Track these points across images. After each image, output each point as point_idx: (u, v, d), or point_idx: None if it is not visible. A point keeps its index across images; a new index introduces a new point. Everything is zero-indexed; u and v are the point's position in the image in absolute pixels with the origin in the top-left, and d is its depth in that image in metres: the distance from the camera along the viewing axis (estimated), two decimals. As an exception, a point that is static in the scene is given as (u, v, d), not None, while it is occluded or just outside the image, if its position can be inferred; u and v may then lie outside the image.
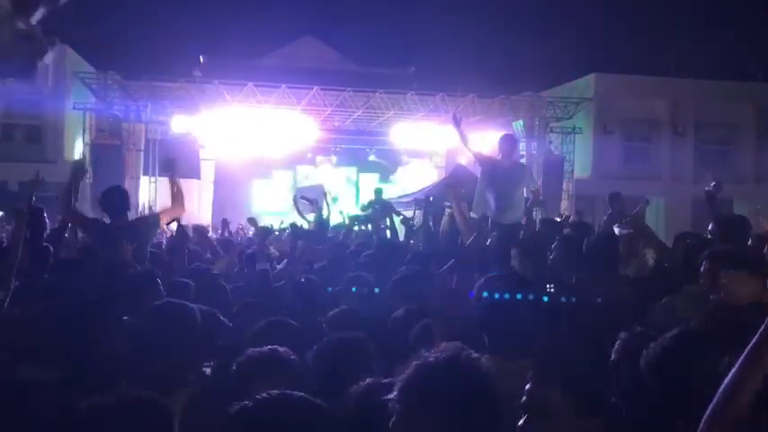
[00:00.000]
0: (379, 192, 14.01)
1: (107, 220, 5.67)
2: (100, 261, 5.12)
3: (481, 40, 18.84)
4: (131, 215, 6.23)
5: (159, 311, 3.14)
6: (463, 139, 7.80)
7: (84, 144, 19.75)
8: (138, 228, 5.68)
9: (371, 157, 24.09)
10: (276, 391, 1.85)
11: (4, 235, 7.43)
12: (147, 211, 16.94)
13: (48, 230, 6.03)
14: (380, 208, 11.90)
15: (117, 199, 5.68)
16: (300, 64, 22.89)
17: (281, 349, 2.63)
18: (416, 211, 13.52)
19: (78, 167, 6.20)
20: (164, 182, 21.07)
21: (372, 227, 10.10)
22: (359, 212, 13.36)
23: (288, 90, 18.85)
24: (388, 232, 9.32)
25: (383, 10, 17.45)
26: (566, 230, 6.62)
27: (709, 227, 5.03)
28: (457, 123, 7.73)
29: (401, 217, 10.97)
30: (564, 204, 20.03)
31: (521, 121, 21.52)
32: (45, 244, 5.46)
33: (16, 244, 4.50)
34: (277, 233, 10.94)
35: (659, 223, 20.19)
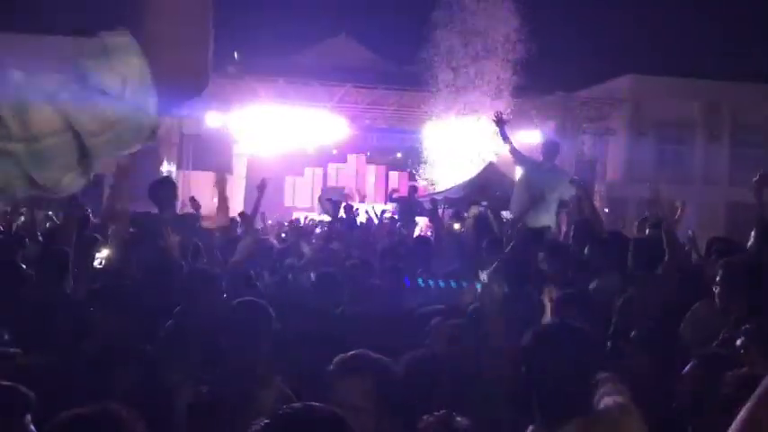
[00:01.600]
0: (411, 189, 14.07)
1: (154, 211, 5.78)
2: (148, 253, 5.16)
3: (513, 40, 18.71)
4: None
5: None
6: (505, 138, 7.88)
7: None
8: (184, 221, 5.84)
9: (399, 155, 24.15)
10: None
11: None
12: (181, 207, 17.17)
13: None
14: (409, 207, 11.99)
15: (166, 190, 5.80)
16: (334, 61, 23.01)
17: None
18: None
19: (122, 170, 6.30)
20: (197, 175, 21.45)
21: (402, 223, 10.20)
22: (387, 208, 13.47)
23: (320, 87, 18.99)
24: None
25: (417, 9, 17.48)
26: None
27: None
28: (500, 123, 7.82)
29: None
30: (597, 205, 19.86)
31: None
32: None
33: (67, 236, 4.59)
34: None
35: (693, 227, 19.90)
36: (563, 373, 2.23)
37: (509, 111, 8.96)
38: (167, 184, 6.01)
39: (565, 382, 2.22)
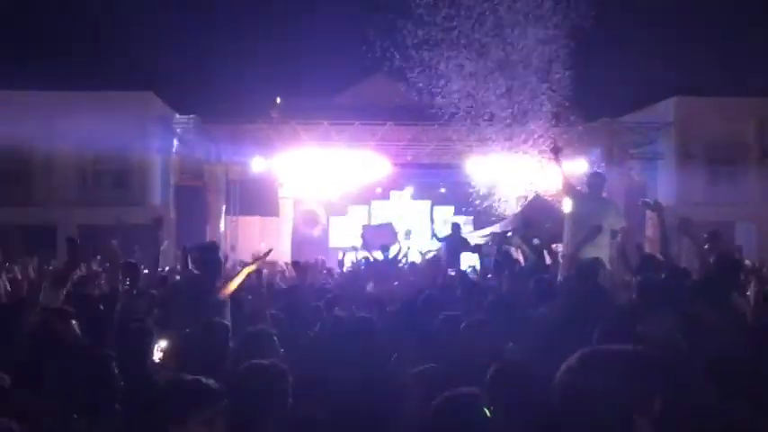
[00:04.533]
0: (455, 227, 13.87)
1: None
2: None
3: (554, 68, 18.57)
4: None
5: None
6: (560, 167, 7.79)
7: (169, 186, 20.48)
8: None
9: (442, 190, 24.06)
10: None
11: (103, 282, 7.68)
12: (229, 251, 17.32)
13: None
14: (454, 244, 11.82)
15: (214, 263, 5.86)
16: (373, 101, 23.18)
17: None
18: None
19: (156, 223, 6.51)
20: (244, 221, 21.70)
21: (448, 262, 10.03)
22: (432, 247, 13.32)
23: (361, 127, 19.11)
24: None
25: (456, 40, 17.60)
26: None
27: None
28: (556, 152, 7.73)
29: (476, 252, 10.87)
30: (649, 233, 19.37)
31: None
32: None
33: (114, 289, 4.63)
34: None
35: (751, 249, 19.28)
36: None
37: (556, 140, 8.80)
38: (214, 254, 6.07)
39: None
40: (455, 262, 10.75)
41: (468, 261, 12.74)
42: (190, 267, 6.33)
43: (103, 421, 3.07)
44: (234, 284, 5.70)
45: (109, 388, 3.19)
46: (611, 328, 3.78)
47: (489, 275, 8.42)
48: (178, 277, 6.27)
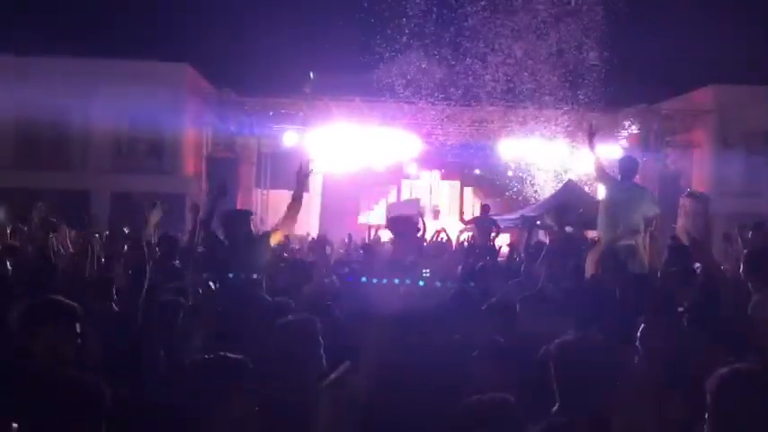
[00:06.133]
0: (485, 208, 13.84)
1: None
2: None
3: (591, 50, 18.27)
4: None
5: None
6: (594, 151, 7.70)
7: (202, 157, 20.67)
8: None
9: (477, 171, 23.89)
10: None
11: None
12: (259, 224, 17.46)
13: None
14: (484, 226, 11.79)
15: (242, 226, 5.56)
16: (407, 78, 23.03)
17: None
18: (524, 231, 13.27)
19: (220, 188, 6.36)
20: (275, 194, 21.84)
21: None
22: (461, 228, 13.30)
23: (394, 104, 19.07)
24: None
25: (491, 21, 17.36)
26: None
27: None
28: (591, 135, 7.64)
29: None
30: (680, 222, 19.12)
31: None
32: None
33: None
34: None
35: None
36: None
37: (593, 123, 8.68)
38: (242, 218, 5.74)
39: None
40: (485, 245, 10.72)
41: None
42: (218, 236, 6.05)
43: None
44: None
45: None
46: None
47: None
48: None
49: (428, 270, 5.52)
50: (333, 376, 3.23)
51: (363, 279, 5.45)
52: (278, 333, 3.32)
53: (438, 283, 5.48)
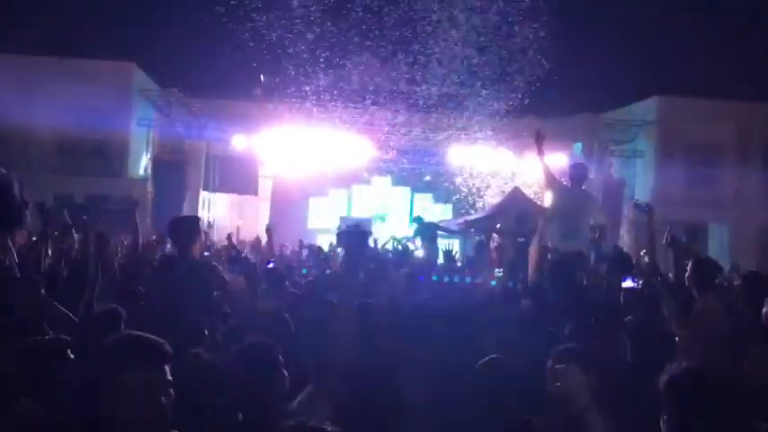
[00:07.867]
0: (418, 220, 14.17)
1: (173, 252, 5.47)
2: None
3: (538, 61, 18.58)
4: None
5: None
6: (541, 157, 7.63)
7: (147, 159, 20.27)
8: (212, 271, 5.33)
9: (427, 178, 24.00)
10: None
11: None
12: (206, 228, 17.19)
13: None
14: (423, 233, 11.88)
15: (187, 230, 5.27)
16: (359, 84, 23.03)
17: None
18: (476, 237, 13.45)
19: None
20: (222, 197, 21.57)
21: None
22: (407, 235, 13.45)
23: (345, 109, 19.04)
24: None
25: (439, 30, 17.52)
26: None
27: None
28: (539, 139, 7.55)
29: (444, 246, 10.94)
30: (623, 230, 19.57)
31: (579, 144, 21.18)
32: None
33: (87, 262, 4.48)
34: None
35: (723, 252, 19.53)
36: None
37: (541, 131, 8.69)
38: (187, 224, 5.45)
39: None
40: (431, 251, 10.73)
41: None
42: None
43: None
44: None
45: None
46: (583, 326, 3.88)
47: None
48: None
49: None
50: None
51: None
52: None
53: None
